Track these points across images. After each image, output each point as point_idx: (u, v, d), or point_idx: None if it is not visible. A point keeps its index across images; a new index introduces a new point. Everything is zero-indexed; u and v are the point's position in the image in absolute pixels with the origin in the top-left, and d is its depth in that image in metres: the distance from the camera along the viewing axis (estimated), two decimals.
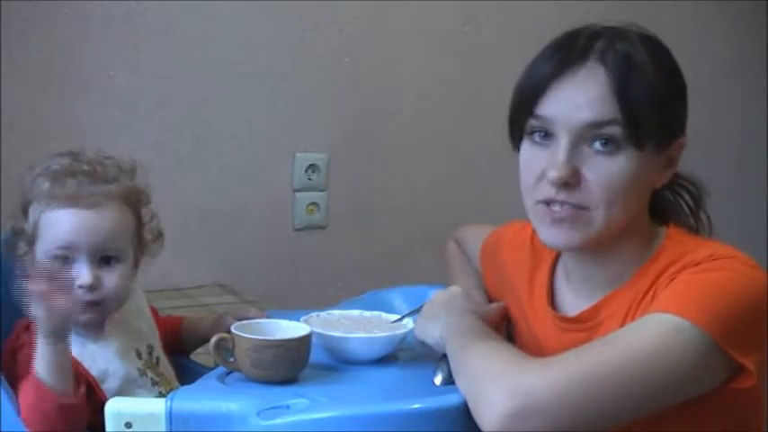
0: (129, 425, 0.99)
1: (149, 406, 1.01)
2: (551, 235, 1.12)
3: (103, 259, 1.23)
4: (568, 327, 1.18)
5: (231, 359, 1.12)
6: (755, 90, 2.81)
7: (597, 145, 1.08)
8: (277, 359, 1.08)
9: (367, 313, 1.29)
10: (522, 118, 1.13)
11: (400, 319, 1.26)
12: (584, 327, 1.16)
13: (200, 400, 1.02)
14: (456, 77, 2.45)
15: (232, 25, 2.15)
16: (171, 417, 0.99)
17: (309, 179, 2.29)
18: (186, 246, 2.04)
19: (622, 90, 1.07)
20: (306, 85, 2.26)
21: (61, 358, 1.10)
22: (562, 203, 1.09)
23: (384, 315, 1.28)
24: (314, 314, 1.26)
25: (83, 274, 1.21)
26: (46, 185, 1.23)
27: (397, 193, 2.40)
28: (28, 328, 1.18)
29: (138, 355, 1.27)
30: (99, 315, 1.24)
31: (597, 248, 1.14)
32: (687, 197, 1.21)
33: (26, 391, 1.11)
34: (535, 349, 1.19)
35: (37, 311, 1.09)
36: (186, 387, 1.09)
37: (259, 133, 2.22)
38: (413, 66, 2.40)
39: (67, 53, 1.97)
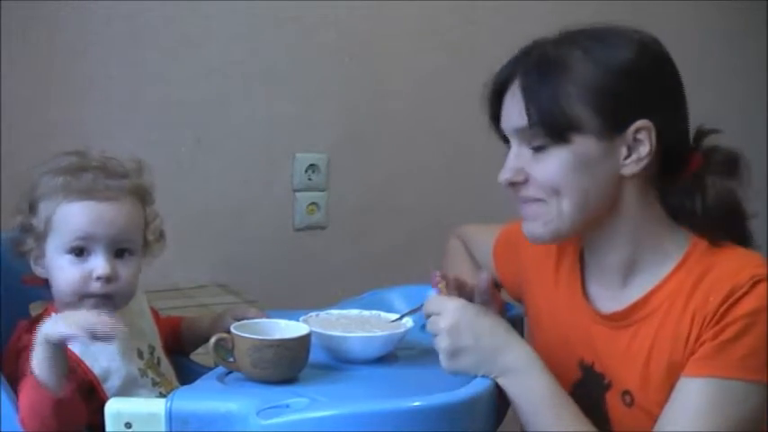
0: (128, 425, 0.99)
1: (149, 406, 1.01)
2: (525, 230, 1.23)
3: (118, 252, 1.24)
4: (601, 322, 1.23)
5: (231, 359, 1.12)
6: (755, 90, 2.81)
7: (531, 146, 1.17)
8: (276, 359, 1.08)
9: (366, 312, 1.30)
10: (493, 128, 1.27)
11: (399, 319, 1.26)
12: (618, 324, 1.21)
13: (200, 399, 1.02)
14: (456, 77, 2.45)
15: (232, 25, 2.15)
16: (171, 417, 0.99)
17: (309, 179, 2.29)
18: (186, 246, 2.04)
19: (530, 96, 1.16)
20: (306, 85, 2.26)
21: (59, 354, 1.10)
22: (523, 200, 1.20)
23: (383, 314, 1.29)
24: (313, 314, 1.26)
25: (100, 265, 1.22)
26: (59, 180, 1.23)
27: (397, 193, 2.40)
28: (30, 329, 1.17)
29: (140, 355, 1.27)
30: (110, 310, 1.24)
31: (587, 239, 1.24)
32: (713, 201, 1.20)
33: (23, 391, 1.11)
34: (561, 341, 1.27)
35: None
36: (186, 387, 1.09)
37: (259, 133, 2.22)
38: (413, 66, 2.40)
39: (68, 53, 1.97)
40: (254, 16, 2.17)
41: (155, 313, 1.38)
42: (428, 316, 1.17)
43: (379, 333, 1.20)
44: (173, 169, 2.08)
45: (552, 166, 1.16)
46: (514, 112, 1.18)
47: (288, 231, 2.29)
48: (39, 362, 1.09)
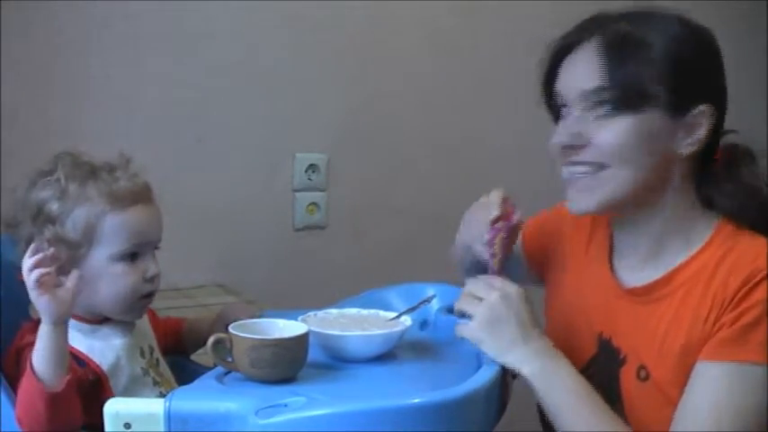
0: (128, 425, 0.99)
1: (148, 406, 1.01)
2: (570, 200, 1.23)
3: (153, 251, 1.27)
4: (623, 296, 1.26)
5: (229, 359, 1.12)
6: (755, 90, 2.81)
7: (599, 110, 1.18)
8: (275, 358, 1.08)
9: (364, 311, 1.30)
10: (547, 99, 1.26)
11: (397, 317, 1.26)
12: (640, 299, 1.23)
13: (199, 399, 1.02)
14: (456, 77, 2.46)
15: (232, 25, 2.15)
16: (170, 417, 0.99)
17: (309, 179, 2.29)
18: (186, 246, 2.04)
19: (613, 58, 1.16)
20: (306, 85, 2.26)
21: (61, 345, 1.11)
22: (576, 165, 1.20)
23: (381, 313, 1.29)
24: (311, 313, 1.26)
25: (153, 265, 1.25)
26: (89, 186, 1.21)
27: (397, 192, 2.41)
28: (32, 330, 1.17)
29: (142, 354, 1.28)
30: (148, 307, 1.28)
31: (626, 215, 1.24)
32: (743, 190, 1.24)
33: (21, 387, 1.11)
34: (581, 316, 1.30)
35: (42, 298, 1.10)
36: (185, 387, 1.08)
37: (259, 133, 2.22)
38: (413, 66, 2.40)
39: (68, 53, 1.97)
40: (254, 16, 2.18)
41: (152, 313, 1.38)
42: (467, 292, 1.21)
43: (378, 332, 1.20)
44: (173, 169, 2.08)
45: (619, 131, 1.17)
46: (584, 73, 1.19)
47: (287, 231, 2.29)
48: (39, 353, 1.10)
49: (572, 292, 1.35)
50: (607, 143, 1.17)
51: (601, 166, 1.18)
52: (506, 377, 1.17)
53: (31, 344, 1.13)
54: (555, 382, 1.16)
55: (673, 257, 1.22)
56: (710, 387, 1.12)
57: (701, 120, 1.18)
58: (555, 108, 1.25)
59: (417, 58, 2.40)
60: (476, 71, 2.48)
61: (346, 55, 2.31)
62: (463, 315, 1.21)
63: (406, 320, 1.25)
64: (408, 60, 2.39)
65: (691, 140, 1.19)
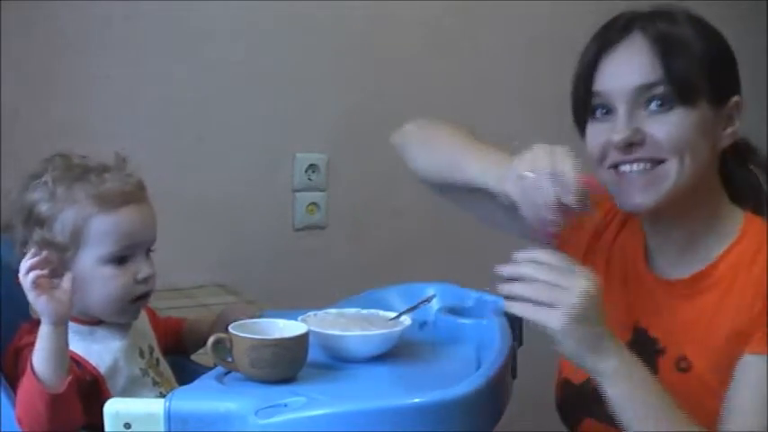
0: (128, 425, 0.99)
1: (148, 406, 1.01)
2: (628, 197, 1.21)
3: (147, 251, 1.25)
4: (664, 288, 1.26)
5: (229, 359, 1.12)
6: (755, 90, 2.81)
7: (652, 106, 1.18)
8: (275, 358, 1.08)
9: (364, 311, 1.29)
10: (582, 101, 1.24)
11: (397, 317, 1.26)
12: (682, 293, 1.24)
13: (199, 399, 1.02)
14: (456, 77, 2.46)
15: (232, 25, 2.15)
16: (170, 417, 0.99)
17: (309, 179, 2.29)
18: (186, 246, 2.04)
19: (664, 54, 1.17)
20: (306, 85, 2.26)
21: (61, 345, 1.11)
22: (633, 162, 1.19)
23: (381, 313, 1.28)
24: (311, 313, 1.26)
25: (145, 267, 1.23)
26: (76, 189, 1.20)
27: (396, 193, 2.40)
28: (31, 330, 1.17)
29: (141, 355, 1.27)
30: (142, 309, 1.27)
31: (669, 212, 1.22)
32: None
33: (20, 387, 1.11)
34: (618, 303, 1.27)
35: (41, 299, 1.10)
36: (184, 387, 1.08)
37: (259, 133, 2.22)
38: (413, 66, 2.40)
39: (68, 53, 1.97)
40: (255, 16, 2.18)
41: (152, 313, 1.38)
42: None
43: (377, 331, 1.20)
44: (173, 169, 2.08)
45: (679, 124, 1.17)
46: (634, 70, 1.19)
47: (287, 231, 2.29)
48: (39, 354, 1.10)
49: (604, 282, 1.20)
50: (670, 136, 1.17)
51: (659, 162, 1.18)
52: (506, 377, 1.17)
53: (31, 344, 1.13)
54: (638, 388, 1.11)
55: (708, 251, 1.24)
56: (757, 379, 1.13)
57: (735, 111, 1.22)
58: (584, 112, 1.25)
59: (417, 58, 2.40)
60: (476, 71, 2.48)
61: (346, 55, 2.31)
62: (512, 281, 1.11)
63: (406, 320, 1.25)
64: (408, 60, 2.39)
65: (730, 131, 1.22)
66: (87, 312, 1.24)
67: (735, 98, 1.23)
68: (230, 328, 1.12)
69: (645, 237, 1.32)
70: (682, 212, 1.23)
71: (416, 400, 0.99)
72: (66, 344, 1.12)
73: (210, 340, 1.12)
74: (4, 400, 1.14)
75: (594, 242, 1.37)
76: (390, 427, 0.98)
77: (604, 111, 1.22)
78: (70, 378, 1.10)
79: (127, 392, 1.21)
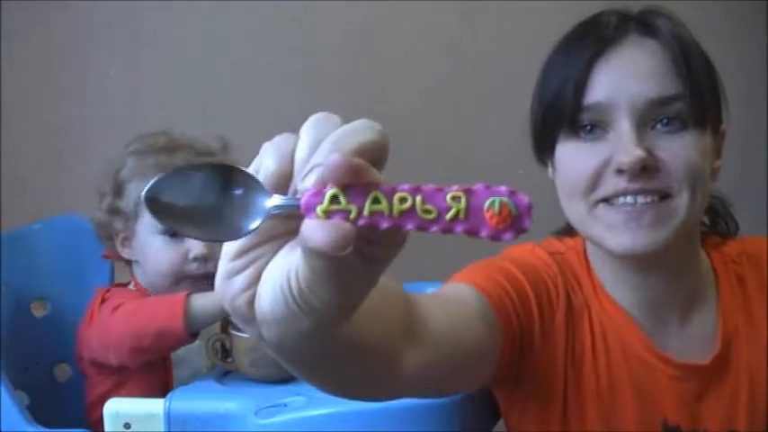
0: (127, 425, 1.00)
1: (148, 406, 1.01)
2: (627, 238, 0.94)
3: None
4: (686, 379, 1.02)
5: (229, 359, 1.12)
6: (755, 90, 2.81)
7: (661, 125, 0.94)
8: (274, 359, 1.08)
9: None
10: (568, 117, 0.97)
11: None
12: (710, 378, 1.02)
13: (199, 400, 1.03)
14: (457, 78, 2.45)
15: (232, 25, 2.15)
16: (169, 417, 0.99)
17: None
18: None
19: (684, 63, 0.94)
20: (306, 85, 2.26)
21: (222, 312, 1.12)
22: (637, 194, 0.93)
23: None
24: None
25: (196, 245, 1.23)
26: (150, 161, 1.25)
27: None
28: (104, 299, 1.22)
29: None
30: (208, 289, 1.25)
31: (673, 258, 0.99)
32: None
33: (144, 309, 1.14)
34: (631, 401, 1.02)
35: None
36: (184, 387, 1.09)
37: (259, 133, 2.21)
38: (413, 66, 2.40)
39: (68, 53, 1.97)
40: (255, 16, 2.18)
41: None
42: None
43: None
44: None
45: (693, 148, 0.94)
46: (651, 77, 0.94)
47: None
48: (207, 308, 1.13)
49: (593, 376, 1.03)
50: (686, 162, 0.93)
51: (666, 194, 0.94)
52: None
53: (117, 293, 1.19)
54: None
55: (703, 305, 1.04)
56: None
57: (721, 142, 1.01)
58: (557, 131, 1.00)
59: (418, 59, 2.40)
60: (476, 71, 2.48)
61: (346, 55, 2.31)
62: None
63: None
64: (409, 61, 2.39)
65: (717, 165, 1.00)
66: (150, 285, 1.26)
67: (723, 125, 1.00)
68: (230, 329, 1.12)
69: (625, 306, 1.03)
70: (685, 257, 1.02)
71: (416, 400, 1.00)
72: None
73: (210, 341, 1.12)
74: (5, 400, 1.14)
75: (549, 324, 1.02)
76: (391, 428, 0.98)
77: (589, 128, 0.96)
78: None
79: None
